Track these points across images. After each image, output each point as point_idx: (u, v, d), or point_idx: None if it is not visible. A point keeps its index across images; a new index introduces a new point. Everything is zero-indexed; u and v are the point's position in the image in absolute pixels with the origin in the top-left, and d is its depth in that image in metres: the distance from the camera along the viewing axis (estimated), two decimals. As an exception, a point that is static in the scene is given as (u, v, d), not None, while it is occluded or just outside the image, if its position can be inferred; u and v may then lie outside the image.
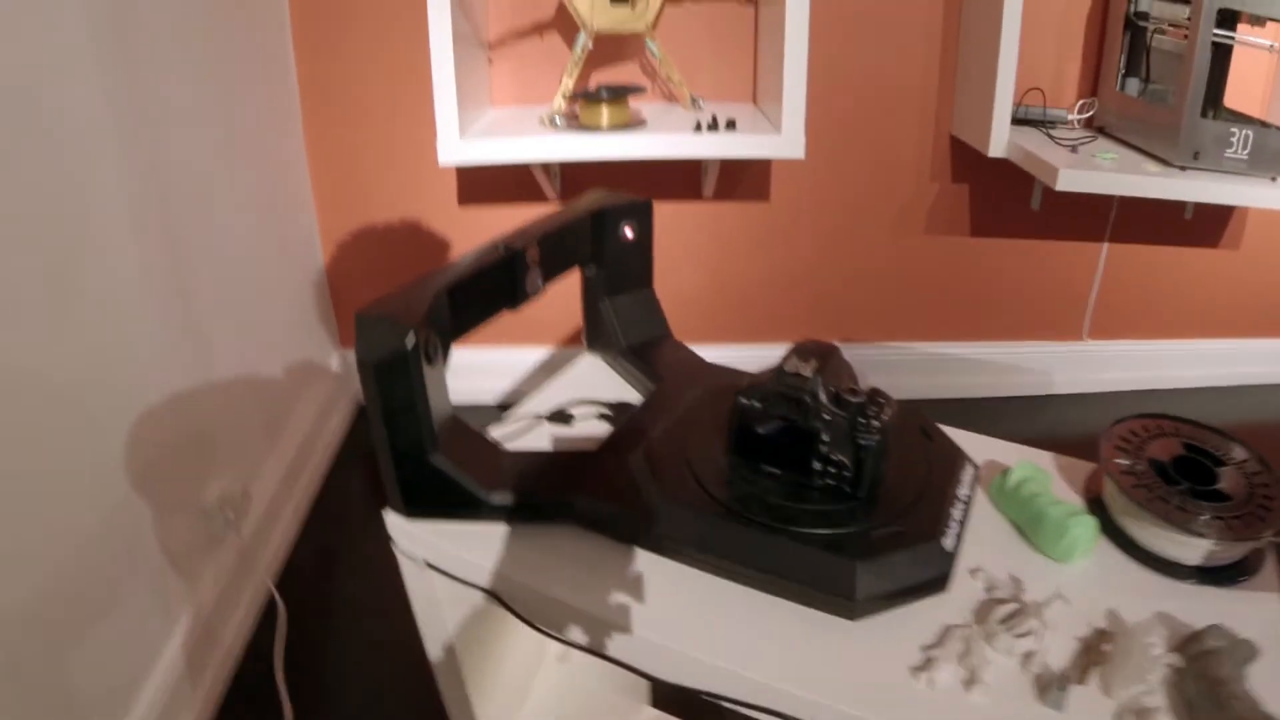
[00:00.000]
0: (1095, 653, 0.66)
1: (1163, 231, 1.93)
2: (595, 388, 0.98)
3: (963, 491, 0.77)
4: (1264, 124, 1.50)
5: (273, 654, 1.29)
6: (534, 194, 1.78)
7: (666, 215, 1.84)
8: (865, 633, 0.67)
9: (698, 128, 1.52)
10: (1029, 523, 0.79)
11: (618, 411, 0.91)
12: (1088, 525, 0.76)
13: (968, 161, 1.81)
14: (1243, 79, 1.74)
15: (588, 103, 1.52)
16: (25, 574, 0.90)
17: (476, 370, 1.89)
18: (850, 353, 2.02)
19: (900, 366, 2.01)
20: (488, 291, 0.79)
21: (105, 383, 1.04)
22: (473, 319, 0.78)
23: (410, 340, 0.66)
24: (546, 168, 1.71)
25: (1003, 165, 1.68)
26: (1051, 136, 1.66)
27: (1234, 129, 1.48)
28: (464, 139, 1.45)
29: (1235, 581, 0.75)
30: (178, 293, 1.22)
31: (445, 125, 1.42)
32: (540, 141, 1.49)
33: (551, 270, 0.87)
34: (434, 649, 0.87)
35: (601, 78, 1.69)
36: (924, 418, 0.83)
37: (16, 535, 0.89)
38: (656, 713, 1.14)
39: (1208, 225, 1.93)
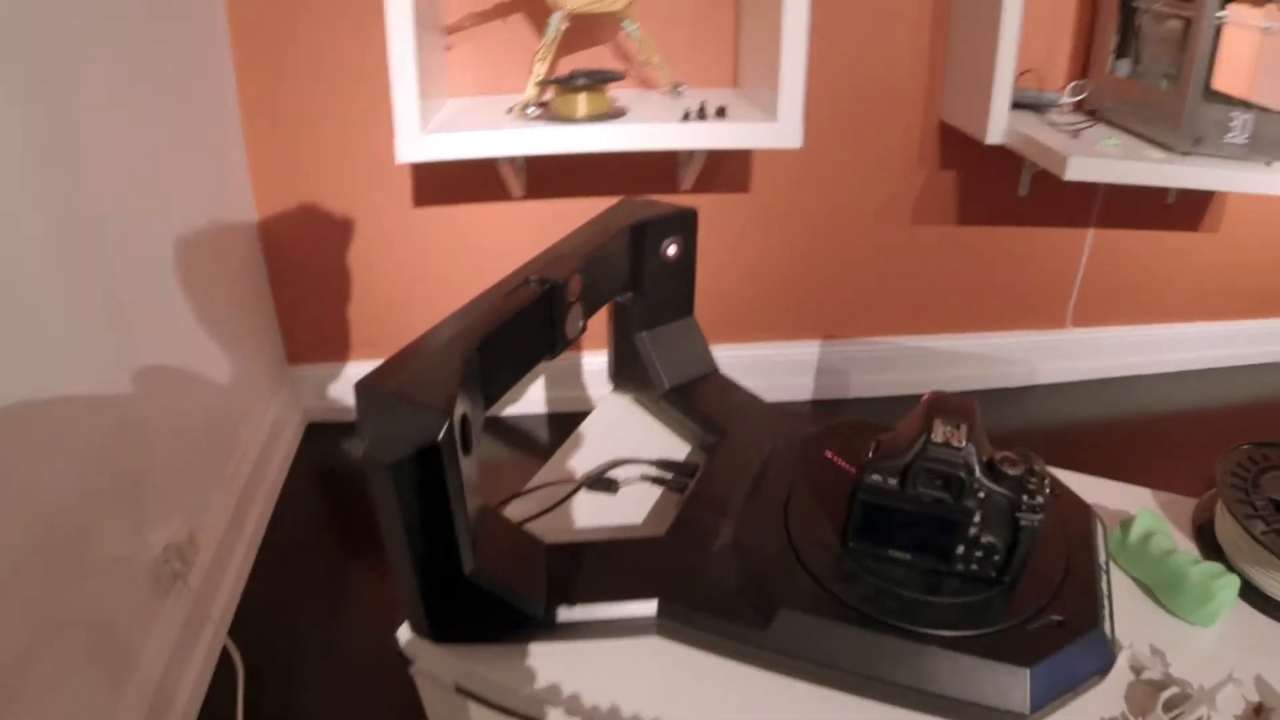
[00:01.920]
0: None
1: (1145, 216, 1.88)
2: (634, 440, 0.84)
3: (1102, 558, 0.66)
4: (1263, 109, 1.46)
5: (235, 713, 1.14)
6: (497, 192, 1.61)
7: (638, 211, 1.69)
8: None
9: (686, 116, 1.38)
10: (1164, 584, 0.69)
11: (674, 474, 0.77)
12: (1232, 587, 0.67)
13: (957, 148, 1.72)
14: (1227, 60, 1.70)
15: (563, 91, 1.35)
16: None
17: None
18: (835, 350, 1.94)
19: (884, 362, 1.93)
20: (523, 342, 0.64)
21: (11, 420, 0.85)
22: (506, 380, 0.63)
23: (444, 429, 0.50)
24: (513, 163, 1.54)
25: (992, 151, 1.60)
26: (1049, 121, 1.57)
27: (1234, 114, 1.44)
28: (425, 133, 1.27)
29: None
30: (110, 324, 1.02)
31: (404, 119, 1.24)
32: (512, 134, 1.32)
33: (593, 305, 0.73)
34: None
35: (573, 64, 1.53)
36: (1039, 460, 0.71)
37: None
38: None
39: (1189, 209, 1.90)
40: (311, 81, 1.49)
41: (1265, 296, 2.09)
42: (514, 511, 0.75)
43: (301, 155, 1.55)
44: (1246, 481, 0.75)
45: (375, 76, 1.46)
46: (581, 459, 0.82)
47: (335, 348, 1.74)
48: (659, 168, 1.65)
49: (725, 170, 1.68)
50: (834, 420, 0.79)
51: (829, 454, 0.72)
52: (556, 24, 1.32)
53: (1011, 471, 0.56)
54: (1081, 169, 1.41)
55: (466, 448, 0.54)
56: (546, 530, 0.72)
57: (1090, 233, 1.87)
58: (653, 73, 1.53)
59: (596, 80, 1.35)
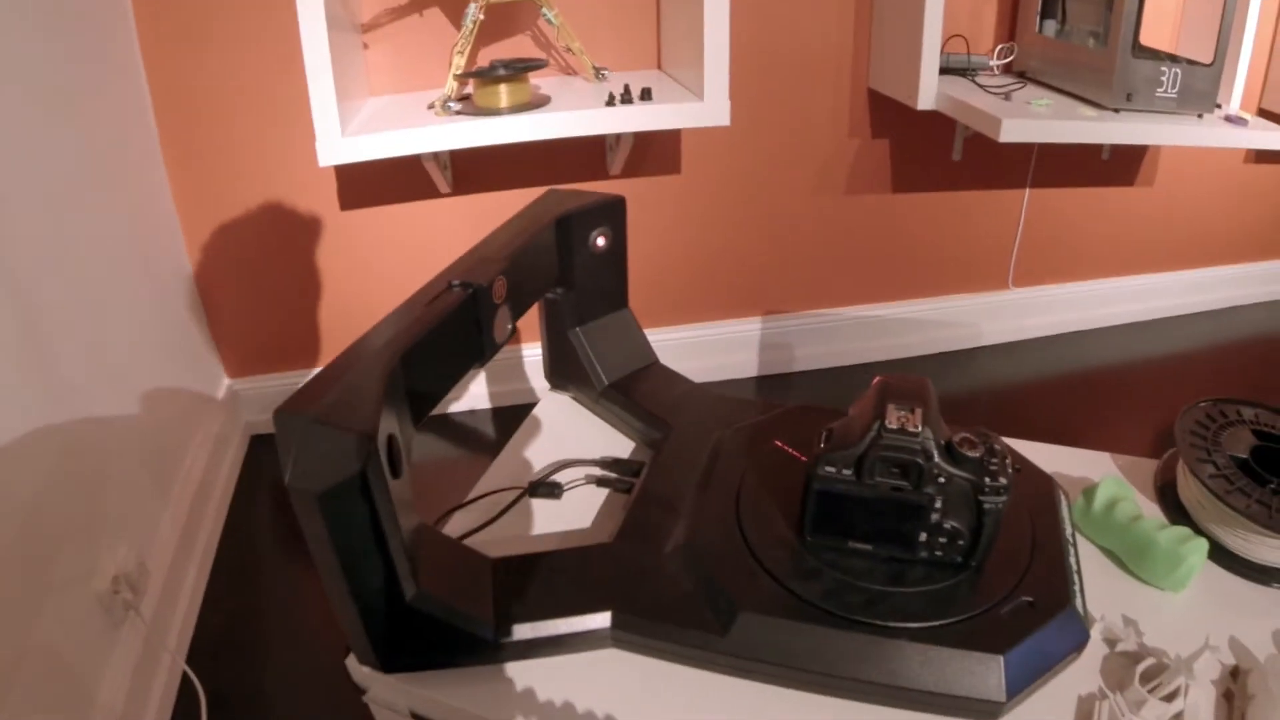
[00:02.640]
0: (1242, 696, 0.57)
1: (1081, 173, 1.89)
2: (576, 441, 0.80)
3: (1068, 531, 0.64)
4: (1191, 62, 1.47)
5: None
6: (424, 190, 1.55)
7: (571, 199, 1.65)
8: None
9: (610, 100, 1.34)
10: (1132, 552, 0.67)
11: (619, 473, 0.74)
12: (1201, 550, 0.65)
13: (888, 115, 1.70)
14: (1152, 15, 1.71)
15: (483, 82, 1.30)
16: None
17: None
18: (777, 325, 1.92)
19: (827, 334, 1.91)
20: (450, 351, 0.60)
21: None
22: (435, 393, 0.59)
23: (369, 456, 0.46)
24: (438, 159, 1.48)
25: (923, 117, 1.58)
26: (979, 85, 1.56)
27: (1164, 68, 1.44)
28: (346, 135, 1.22)
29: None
30: (33, 356, 0.95)
31: (324, 121, 1.18)
32: (435, 130, 1.27)
33: (521, 306, 0.68)
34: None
35: (493, 54, 1.47)
36: (998, 439, 0.69)
37: None
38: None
39: (1124, 164, 1.91)
40: (229, 88, 1.41)
41: (1200, 247, 2.12)
42: (457, 524, 0.70)
43: (223, 165, 1.47)
44: (1207, 440, 0.73)
45: (293, 80, 1.39)
46: (523, 463, 0.77)
47: (273, 358, 1.67)
48: (586, 155, 1.61)
49: (654, 153, 1.64)
50: (781, 407, 0.76)
51: (778, 443, 0.69)
52: (474, 14, 1.26)
53: (971, 454, 0.53)
54: (1016, 131, 1.40)
55: (396, 470, 0.50)
56: (491, 543, 0.68)
57: (1026, 193, 1.87)
58: (574, 59, 1.48)
59: (517, 69, 1.31)
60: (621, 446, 0.80)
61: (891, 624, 0.53)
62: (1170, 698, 0.56)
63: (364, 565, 0.49)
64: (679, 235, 1.73)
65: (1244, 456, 0.71)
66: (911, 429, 0.52)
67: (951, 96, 1.50)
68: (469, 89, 1.35)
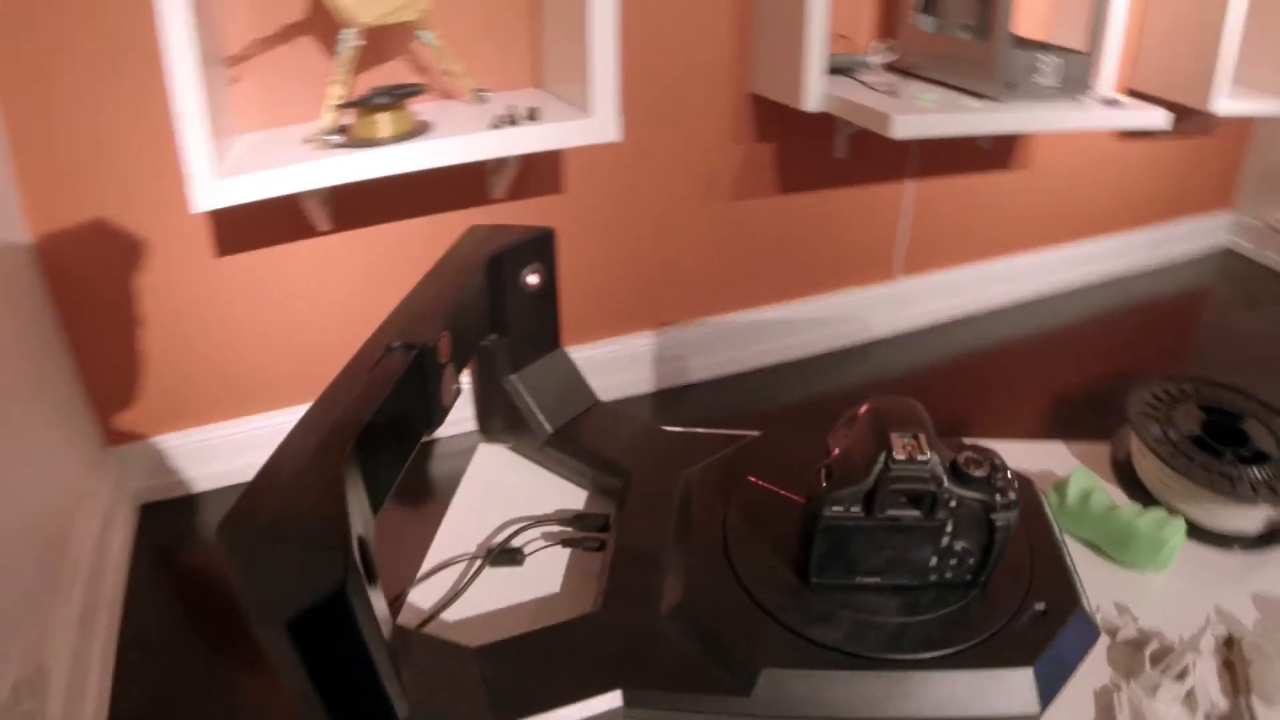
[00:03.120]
0: (1241, 662, 0.58)
1: (961, 161, 1.95)
2: (523, 497, 0.74)
3: (1056, 530, 0.63)
4: (1066, 50, 1.54)
5: None
6: (303, 229, 1.45)
7: (442, 228, 1.57)
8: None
9: (497, 123, 1.29)
10: (1114, 541, 0.68)
11: (581, 529, 0.68)
12: (1181, 530, 0.66)
13: (770, 119, 1.71)
14: (1026, 6, 1.78)
15: (363, 112, 1.22)
16: None
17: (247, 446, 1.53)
18: (670, 336, 1.89)
19: (722, 341, 1.91)
20: (400, 425, 0.53)
21: None
22: (390, 478, 0.52)
23: (346, 572, 0.39)
24: (317, 196, 1.38)
25: (806, 118, 1.59)
26: (863, 83, 1.58)
27: (1042, 56, 1.50)
28: (222, 177, 1.11)
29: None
30: None
31: (196, 164, 1.08)
32: (315, 166, 1.18)
33: (462, 361, 0.62)
34: None
35: (370, 82, 1.39)
36: (996, 454, 0.68)
37: None
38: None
39: (1002, 149, 1.98)
40: (91, 136, 1.26)
41: (1080, 222, 2.23)
42: (412, 608, 0.63)
43: (89, 219, 1.32)
44: (1160, 420, 0.74)
45: (158, 120, 1.26)
46: (471, 528, 0.71)
47: (156, 420, 1.51)
48: (468, 181, 1.54)
49: (538, 173, 1.59)
50: (741, 438, 0.72)
51: (753, 480, 0.65)
52: (350, 41, 1.18)
53: (978, 473, 0.51)
54: (907, 127, 1.42)
55: (372, 577, 0.43)
56: (456, 626, 0.61)
57: (910, 184, 1.92)
58: (453, 82, 1.41)
59: (398, 96, 1.23)
60: (573, 498, 0.75)
61: (919, 656, 0.51)
62: (1181, 676, 0.56)
63: (349, 691, 0.42)
64: (567, 256, 1.68)
65: (1199, 433, 0.73)
66: (920, 457, 0.50)
67: (838, 96, 1.51)
68: (348, 120, 1.27)
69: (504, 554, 0.66)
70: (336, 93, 1.21)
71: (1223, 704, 0.56)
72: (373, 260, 1.53)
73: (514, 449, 0.79)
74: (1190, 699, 0.56)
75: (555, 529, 0.70)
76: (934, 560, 0.53)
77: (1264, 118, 2.32)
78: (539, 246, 0.72)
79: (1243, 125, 2.38)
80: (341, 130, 1.25)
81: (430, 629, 0.61)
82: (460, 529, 0.71)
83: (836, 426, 0.60)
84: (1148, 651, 0.58)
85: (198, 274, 1.42)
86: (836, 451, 0.55)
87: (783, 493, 0.64)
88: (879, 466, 0.50)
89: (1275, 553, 0.70)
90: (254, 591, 0.39)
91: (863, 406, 0.56)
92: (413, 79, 1.41)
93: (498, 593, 0.64)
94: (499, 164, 1.52)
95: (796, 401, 1.86)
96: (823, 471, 0.53)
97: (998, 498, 0.51)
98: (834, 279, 1.97)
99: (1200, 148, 2.34)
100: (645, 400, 1.86)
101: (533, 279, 0.72)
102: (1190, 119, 2.06)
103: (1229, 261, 2.59)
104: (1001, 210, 2.08)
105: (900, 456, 0.50)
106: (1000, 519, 0.51)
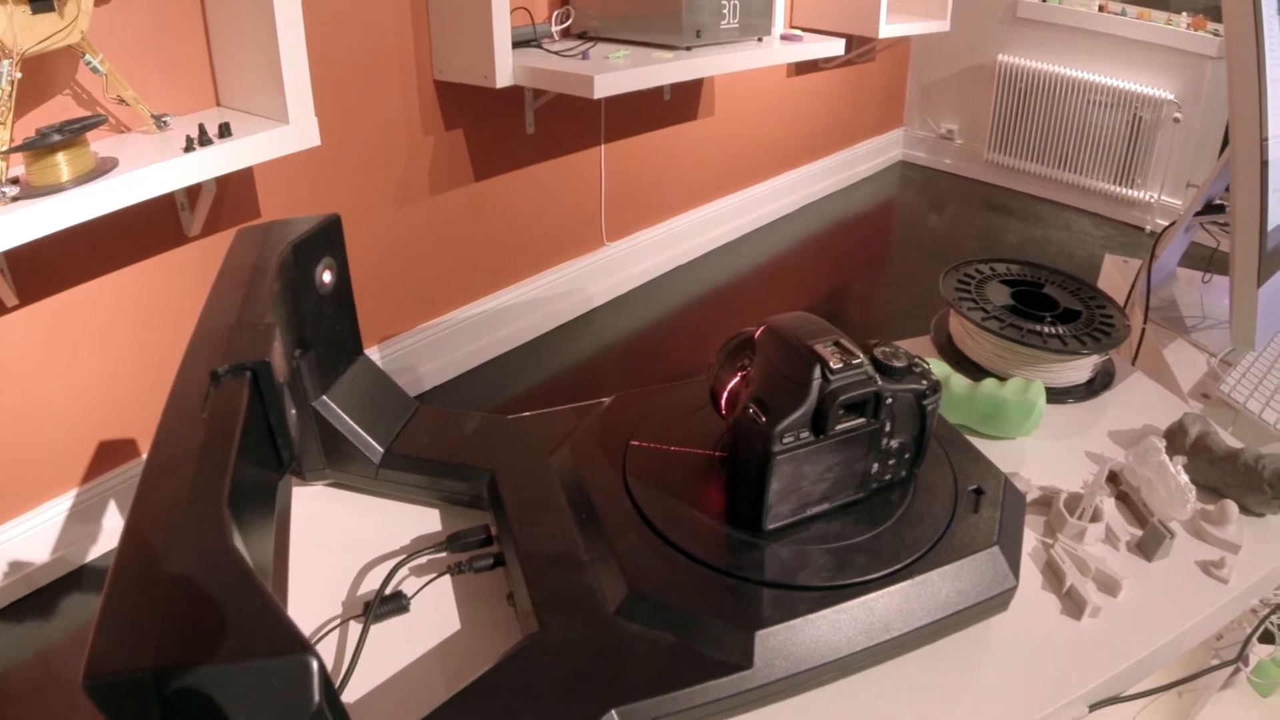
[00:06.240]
0: (1132, 490, 0.63)
1: (648, 120, 1.99)
2: (373, 534, 0.62)
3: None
4: None
5: None
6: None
7: (143, 276, 1.34)
8: (1015, 610, 0.53)
9: (188, 146, 1.11)
10: (984, 417, 0.70)
11: (458, 549, 0.58)
12: (1043, 393, 0.70)
13: (456, 105, 1.63)
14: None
15: (36, 155, 0.99)
16: None
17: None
18: (394, 348, 1.76)
19: (448, 342, 1.81)
20: (258, 472, 0.41)
21: None
22: (264, 542, 0.40)
23: (324, 682, 0.28)
24: (-4, 263, 1.11)
25: (491, 98, 1.56)
26: (551, 51, 1.56)
27: (724, 3, 1.56)
28: None
29: (1109, 386, 0.78)
30: None
31: None
32: (-6, 225, 0.94)
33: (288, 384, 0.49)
34: None
35: (37, 121, 1.13)
36: (889, 342, 0.67)
37: None
38: None
39: (685, 102, 2.05)
40: None
41: (766, 159, 2.38)
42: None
43: None
44: (975, 299, 0.79)
45: None
46: (326, 588, 0.58)
47: None
48: (155, 219, 1.33)
49: (231, 200, 1.42)
50: (591, 407, 0.66)
51: (638, 443, 0.59)
52: (8, 74, 0.95)
53: (899, 364, 0.49)
54: (608, 85, 1.42)
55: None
56: (365, 707, 0.49)
57: (602, 149, 1.93)
58: (130, 111, 1.20)
59: (74, 131, 1.02)
60: (429, 520, 0.64)
61: (898, 567, 0.48)
62: (1095, 518, 0.59)
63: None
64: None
65: (1011, 304, 0.78)
66: (855, 361, 0.46)
67: (531, 67, 1.48)
68: (19, 168, 1.03)
69: (385, 604, 0.54)
70: (2, 136, 0.97)
71: (1135, 531, 0.60)
72: (69, 332, 1.28)
73: (337, 484, 0.67)
74: (1111, 535, 0.59)
75: (431, 558, 0.59)
76: (875, 466, 0.51)
77: (919, 36, 2.64)
78: (328, 236, 0.60)
79: (901, 49, 2.69)
80: (14, 182, 1.01)
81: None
82: (312, 592, 0.57)
83: (715, 365, 0.56)
84: (1060, 504, 0.60)
85: None
86: (738, 387, 0.50)
87: (674, 449, 0.59)
88: (818, 381, 0.46)
89: (1107, 394, 0.76)
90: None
91: (755, 331, 0.52)
92: (84, 113, 1.18)
93: (394, 651, 0.52)
94: (193, 197, 1.32)
95: (541, 381, 1.82)
96: (751, 408, 0.48)
97: (924, 384, 0.49)
98: (548, 257, 1.95)
99: (866, 73, 2.61)
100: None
101: (327, 276, 0.60)
102: (856, 48, 2.28)
103: (908, 171, 2.95)
104: (692, 161, 2.16)
105: (836, 365, 0.46)
106: (930, 404, 0.50)
